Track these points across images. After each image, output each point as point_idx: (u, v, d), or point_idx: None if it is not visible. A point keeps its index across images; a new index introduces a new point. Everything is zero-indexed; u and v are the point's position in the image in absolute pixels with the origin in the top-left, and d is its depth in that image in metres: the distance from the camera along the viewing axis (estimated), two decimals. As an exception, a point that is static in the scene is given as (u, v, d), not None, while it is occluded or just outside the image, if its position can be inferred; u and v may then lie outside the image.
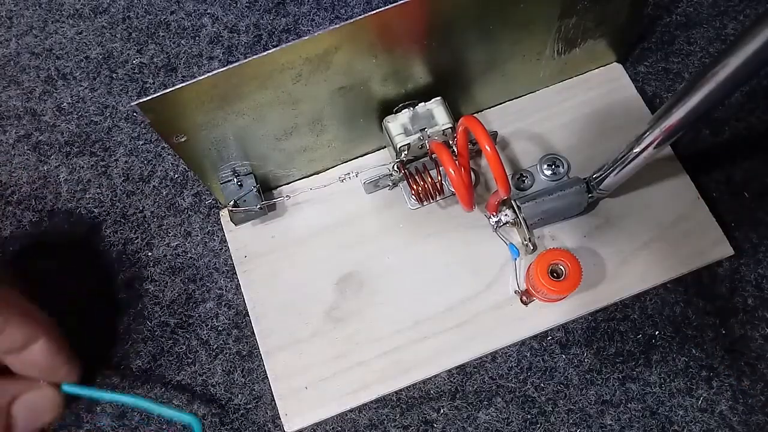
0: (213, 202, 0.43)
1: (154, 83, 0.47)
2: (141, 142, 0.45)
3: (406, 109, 0.38)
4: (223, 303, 0.40)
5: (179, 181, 0.43)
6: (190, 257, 0.42)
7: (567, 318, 0.38)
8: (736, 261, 0.39)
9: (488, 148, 0.33)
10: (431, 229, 0.41)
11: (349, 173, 0.42)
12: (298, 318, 0.39)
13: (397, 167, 0.39)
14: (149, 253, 0.42)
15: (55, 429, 0.38)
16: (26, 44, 0.48)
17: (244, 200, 0.39)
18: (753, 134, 0.42)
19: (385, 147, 0.42)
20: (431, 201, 0.41)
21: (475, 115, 0.40)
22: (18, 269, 0.42)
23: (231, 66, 0.30)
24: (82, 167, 0.44)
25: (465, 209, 0.37)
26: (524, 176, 0.41)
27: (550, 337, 0.38)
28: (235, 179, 0.39)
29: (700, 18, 0.45)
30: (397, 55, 0.35)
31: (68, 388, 0.38)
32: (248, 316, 0.39)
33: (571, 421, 0.37)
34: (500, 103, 0.43)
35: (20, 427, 0.33)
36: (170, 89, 0.30)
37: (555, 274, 0.36)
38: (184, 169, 0.44)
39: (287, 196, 0.41)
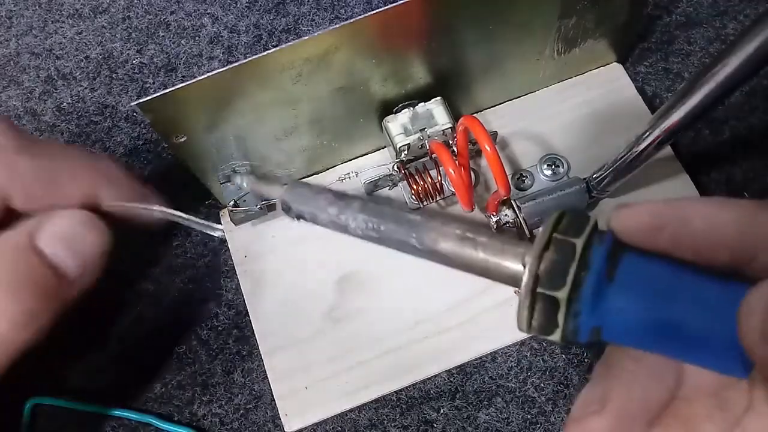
0: (213, 202, 0.43)
1: (154, 83, 0.47)
2: (141, 142, 0.45)
3: (406, 109, 0.38)
4: (223, 303, 0.40)
5: (179, 180, 0.43)
6: (190, 257, 0.42)
7: (567, 318, 0.38)
8: (736, 261, 0.39)
9: (488, 148, 0.33)
10: (431, 229, 0.40)
11: (349, 173, 0.42)
12: (298, 318, 0.39)
13: (397, 167, 0.39)
14: (149, 253, 0.42)
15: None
16: (26, 44, 0.48)
17: (244, 200, 0.39)
18: (753, 134, 0.42)
19: (385, 147, 0.42)
20: (431, 201, 0.41)
21: (475, 115, 0.40)
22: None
23: (231, 66, 0.30)
24: (82, 167, 0.44)
25: (465, 209, 0.37)
26: (524, 176, 0.41)
27: (550, 337, 0.38)
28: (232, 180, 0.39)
29: (700, 18, 0.45)
30: (397, 55, 0.35)
31: (55, 402, 0.38)
32: (248, 316, 0.39)
33: (571, 421, 0.37)
34: (500, 103, 0.43)
35: (65, 262, 0.27)
36: (170, 89, 0.30)
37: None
38: (184, 168, 0.44)
39: (287, 196, 0.41)
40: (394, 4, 0.31)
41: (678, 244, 0.20)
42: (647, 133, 0.31)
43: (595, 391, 0.22)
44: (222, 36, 0.48)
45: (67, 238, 0.28)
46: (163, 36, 0.48)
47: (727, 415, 0.21)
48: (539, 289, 0.20)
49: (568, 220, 0.21)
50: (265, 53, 0.30)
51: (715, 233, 0.19)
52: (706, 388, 0.22)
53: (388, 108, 0.38)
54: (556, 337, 0.21)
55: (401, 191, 0.41)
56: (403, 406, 0.38)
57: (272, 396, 0.38)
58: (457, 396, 0.38)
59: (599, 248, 0.20)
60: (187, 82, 0.30)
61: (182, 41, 0.48)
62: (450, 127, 0.38)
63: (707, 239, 0.19)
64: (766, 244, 0.19)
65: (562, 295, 0.20)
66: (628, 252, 0.20)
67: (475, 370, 0.38)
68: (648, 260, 0.20)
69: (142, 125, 0.45)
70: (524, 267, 0.21)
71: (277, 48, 0.31)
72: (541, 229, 0.21)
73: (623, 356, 0.22)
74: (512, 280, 0.23)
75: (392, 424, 0.37)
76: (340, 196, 0.30)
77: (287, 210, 0.32)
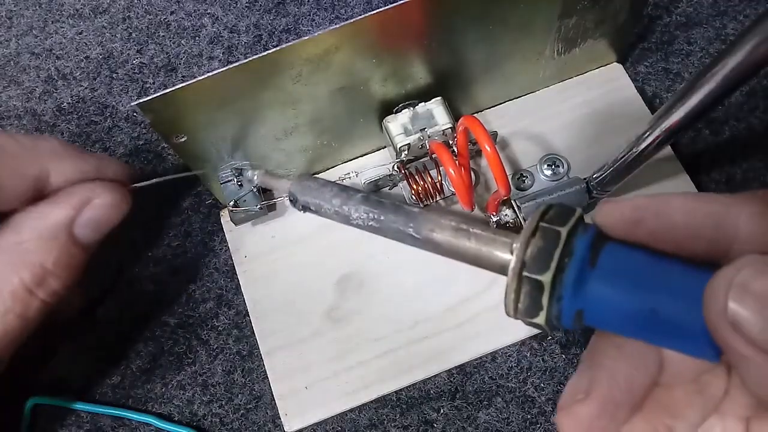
0: (213, 202, 0.43)
1: (154, 83, 0.47)
2: (141, 142, 0.45)
3: (406, 109, 0.38)
4: (223, 303, 0.40)
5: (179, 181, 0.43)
6: (190, 257, 0.42)
7: (567, 318, 0.38)
8: (736, 261, 0.39)
9: (488, 148, 0.33)
10: (431, 229, 0.40)
11: (349, 173, 0.42)
12: (298, 318, 0.39)
13: (397, 167, 0.39)
14: (149, 253, 0.42)
15: None
16: (26, 44, 0.48)
17: (244, 200, 0.39)
18: (753, 134, 0.42)
19: (385, 147, 0.42)
20: (431, 201, 0.41)
21: (475, 115, 0.40)
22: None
23: (231, 66, 0.30)
24: (82, 167, 0.44)
25: (465, 209, 0.37)
26: (524, 176, 0.41)
27: (550, 337, 0.38)
28: (235, 179, 0.39)
29: (700, 18, 0.45)
30: (397, 55, 0.35)
31: (55, 402, 0.38)
32: (248, 316, 0.39)
33: (571, 421, 0.37)
34: (500, 103, 0.43)
35: (90, 239, 0.31)
36: (170, 89, 0.30)
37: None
38: (185, 169, 0.44)
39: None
40: (394, 4, 0.31)
41: (657, 237, 0.21)
42: (647, 133, 0.31)
43: (581, 379, 0.22)
44: (222, 36, 0.48)
45: (98, 223, 0.31)
46: (163, 36, 0.48)
47: (706, 399, 0.22)
48: (525, 273, 0.22)
49: (555, 212, 0.23)
50: (265, 53, 0.30)
51: (692, 225, 0.20)
52: (686, 374, 0.22)
53: (388, 108, 0.38)
54: (540, 319, 0.22)
55: (401, 191, 0.41)
56: (403, 406, 0.38)
57: (272, 396, 0.38)
58: (457, 396, 0.38)
59: (583, 237, 0.22)
60: (187, 82, 0.30)
61: (182, 41, 0.48)
62: (450, 127, 0.38)
63: (684, 231, 0.20)
64: (738, 235, 0.20)
65: (546, 278, 0.21)
66: (610, 242, 0.22)
67: (475, 370, 0.38)
68: (628, 250, 0.21)
69: (142, 125, 0.45)
70: (512, 254, 0.22)
71: (277, 48, 0.31)
72: (529, 219, 0.23)
73: (607, 345, 0.23)
74: (501, 268, 0.24)
75: (392, 424, 0.37)
76: (344, 189, 0.31)
77: (294, 201, 0.33)
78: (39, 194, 0.30)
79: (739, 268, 0.17)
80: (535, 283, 0.21)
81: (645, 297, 0.20)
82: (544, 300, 0.21)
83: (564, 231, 0.21)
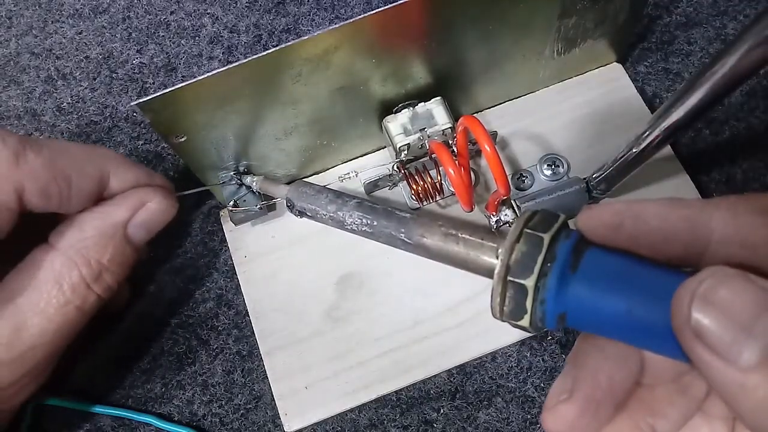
0: (213, 202, 0.43)
1: (154, 83, 0.47)
2: (141, 142, 0.45)
3: (406, 109, 0.38)
4: (223, 303, 0.40)
5: (179, 181, 0.43)
6: (190, 257, 0.42)
7: (567, 318, 0.38)
8: (736, 261, 0.39)
9: (488, 148, 0.33)
10: (431, 229, 0.40)
11: (349, 173, 0.42)
12: (298, 318, 0.39)
13: (397, 167, 0.39)
14: (149, 254, 0.42)
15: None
16: (26, 44, 0.48)
17: (244, 200, 0.39)
18: (753, 134, 0.42)
19: (385, 147, 0.42)
20: (431, 201, 0.41)
21: (475, 115, 0.41)
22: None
23: (231, 66, 0.30)
24: (82, 167, 0.44)
25: (465, 209, 0.37)
26: (524, 176, 0.41)
27: (550, 337, 0.38)
28: (235, 179, 0.39)
29: (700, 18, 0.45)
30: (397, 55, 0.35)
31: (55, 402, 0.38)
32: (248, 316, 0.39)
33: (571, 421, 0.37)
34: (500, 103, 0.43)
35: (142, 239, 0.33)
36: (170, 89, 0.30)
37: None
38: (185, 169, 0.44)
39: (287, 196, 0.41)
40: (394, 4, 0.31)
41: (637, 241, 0.21)
42: (647, 132, 0.31)
43: (565, 381, 0.23)
44: (222, 36, 0.48)
45: (150, 224, 0.33)
46: (163, 36, 0.48)
47: (688, 399, 0.23)
48: (509, 277, 0.22)
49: (539, 218, 0.23)
50: (265, 53, 0.30)
51: (667, 230, 0.21)
52: (667, 374, 0.23)
53: (388, 108, 0.38)
54: (525, 322, 0.23)
55: (401, 191, 0.41)
56: (403, 406, 0.38)
57: (272, 396, 0.38)
58: (457, 396, 0.38)
59: (565, 242, 0.22)
60: (187, 82, 0.30)
61: (182, 41, 0.48)
62: (450, 127, 0.38)
63: (661, 235, 0.21)
64: (712, 237, 0.20)
65: (529, 282, 0.22)
66: (591, 247, 0.22)
67: (475, 370, 0.38)
68: (608, 254, 0.22)
69: (142, 125, 0.45)
70: (498, 259, 0.23)
71: (277, 48, 0.31)
72: (514, 224, 0.23)
73: (590, 347, 0.23)
74: (488, 272, 0.25)
75: (392, 424, 0.37)
76: (339, 195, 0.32)
77: (291, 207, 0.34)
78: (100, 197, 0.32)
79: (702, 280, 0.18)
80: (519, 287, 0.22)
81: (621, 300, 0.21)
82: (528, 303, 0.22)
83: (547, 237, 0.22)
